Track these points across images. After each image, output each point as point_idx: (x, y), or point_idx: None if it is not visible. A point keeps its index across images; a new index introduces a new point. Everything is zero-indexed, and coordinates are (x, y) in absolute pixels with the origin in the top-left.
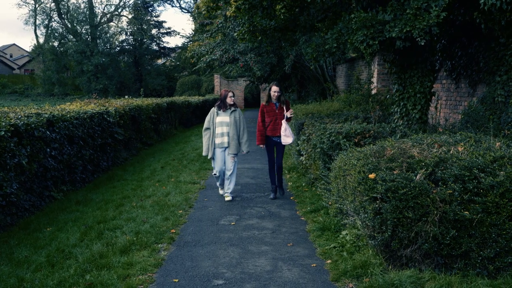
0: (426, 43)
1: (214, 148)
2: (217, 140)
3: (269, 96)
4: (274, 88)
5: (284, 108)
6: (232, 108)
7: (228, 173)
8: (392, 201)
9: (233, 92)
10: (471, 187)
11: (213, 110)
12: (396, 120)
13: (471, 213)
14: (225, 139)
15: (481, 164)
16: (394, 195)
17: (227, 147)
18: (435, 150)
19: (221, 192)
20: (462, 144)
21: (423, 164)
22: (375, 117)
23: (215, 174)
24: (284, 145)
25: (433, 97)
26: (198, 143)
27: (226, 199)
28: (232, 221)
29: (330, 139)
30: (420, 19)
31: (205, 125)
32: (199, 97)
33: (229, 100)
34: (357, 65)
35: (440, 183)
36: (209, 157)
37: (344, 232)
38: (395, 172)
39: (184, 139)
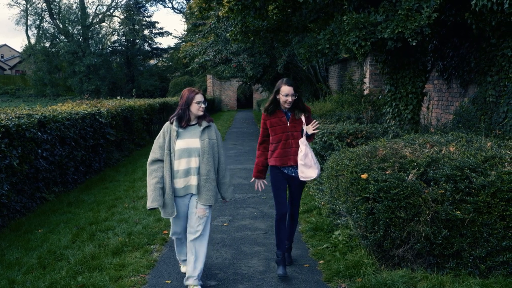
0: (418, 43)
1: (175, 197)
2: (179, 183)
3: (274, 101)
4: (286, 89)
5: (303, 119)
6: (204, 123)
7: (191, 237)
8: (384, 201)
9: (203, 94)
10: (462, 187)
11: (168, 127)
12: (388, 121)
13: (462, 213)
14: (193, 180)
15: (472, 164)
16: (386, 195)
17: (193, 194)
18: (427, 150)
19: (183, 269)
20: (453, 144)
21: (415, 164)
22: (367, 118)
23: (174, 238)
24: (303, 183)
25: (425, 97)
26: None
27: None
28: (225, 221)
29: (323, 139)
30: (412, 20)
31: (153, 154)
32: None
33: (195, 109)
34: (349, 65)
35: (432, 183)
36: (166, 215)
37: (336, 232)
38: (387, 172)
39: None
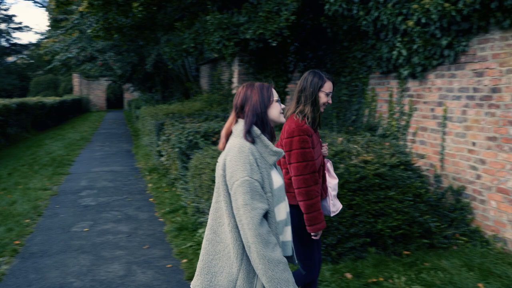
0: (279, 44)
1: None
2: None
3: (316, 104)
4: (330, 86)
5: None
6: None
7: None
8: None
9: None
10: None
11: (254, 151)
12: None
13: None
14: (288, 233)
15: None
16: None
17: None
18: None
19: None
20: None
21: None
22: None
23: None
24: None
25: (287, 96)
26: (52, 146)
27: None
28: (86, 227)
29: (188, 138)
30: (272, 21)
31: (258, 203)
32: (55, 98)
33: (277, 113)
34: (219, 65)
35: None
36: None
37: (201, 231)
38: None
39: (37, 143)
